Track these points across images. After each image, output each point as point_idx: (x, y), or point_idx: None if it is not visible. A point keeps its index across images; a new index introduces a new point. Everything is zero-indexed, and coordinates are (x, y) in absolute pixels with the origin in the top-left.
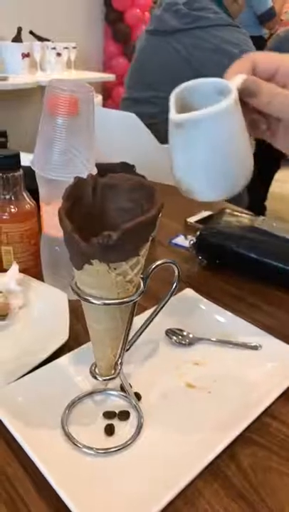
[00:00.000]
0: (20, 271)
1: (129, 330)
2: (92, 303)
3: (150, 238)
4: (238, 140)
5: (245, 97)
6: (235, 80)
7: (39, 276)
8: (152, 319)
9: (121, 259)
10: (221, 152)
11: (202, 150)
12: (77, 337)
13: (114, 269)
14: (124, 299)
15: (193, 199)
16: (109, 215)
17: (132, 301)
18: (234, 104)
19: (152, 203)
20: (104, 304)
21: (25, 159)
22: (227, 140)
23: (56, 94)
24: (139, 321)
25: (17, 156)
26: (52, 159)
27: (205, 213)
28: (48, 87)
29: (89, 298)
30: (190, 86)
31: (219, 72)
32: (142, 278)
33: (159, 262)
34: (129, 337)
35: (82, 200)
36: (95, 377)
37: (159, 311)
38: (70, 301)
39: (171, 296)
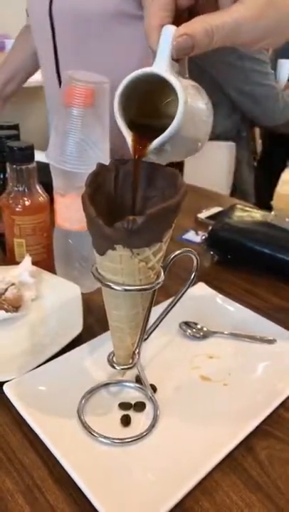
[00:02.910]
0: (33, 263)
1: (148, 318)
2: (114, 289)
3: (173, 225)
4: (201, 119)
5: (182, 56)
6: (163, 49)
7: (51, 269)
8: (172, 308)
9: (144, 245)
10: (193, 139)
11: (177, 150)
12: (89, 330)
13: (138, 254)
14: (146, 286)
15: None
16: (130, 202)
17: (153, 288)
18: (185, 105)
19: (175, 190)
20: (126, 290)
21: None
22: (195, 130)
23: (72, 85)
24: (153, 313)
25: (31, 148)
26: (67, 151)
27: (215, 209)
28: (64, 79)
29: (110, 284)
30: (125, 92)
31: (228, 70)
32: (162, 267)
33: (178, 252)
34: (147, 326)
35: (104, 187)
36: (113, 366)
37: (178, 300)
38: (82, 294)
39: (190, 285)
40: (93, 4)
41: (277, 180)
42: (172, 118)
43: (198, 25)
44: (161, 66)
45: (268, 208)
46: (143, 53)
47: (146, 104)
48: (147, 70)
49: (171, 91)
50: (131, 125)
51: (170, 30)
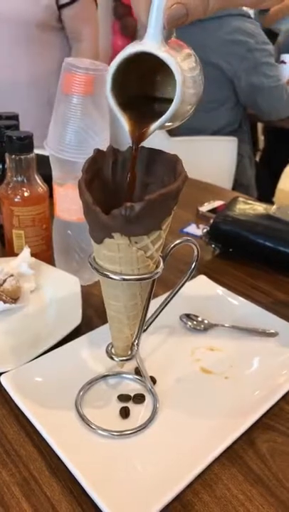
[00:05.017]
0: (32, 255)
1: (147, 309)
2: (112, 278)
3: (172, 212)
4: (195, 89)
5: (176, 26)
6: (154, 22)
7: (50, 262)
8: (172, 298)
9: (143, 233)
10: (187, 109)
11: (171, 122)
12: (88, 322)
13: (136, 243)
14: (144, 275)
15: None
16: (128, 190)
17: (152, 277)
18: (182, 86)
19: (174, 176)
20: (124, 280)
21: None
22: (188, 102)
23: (71, 72)
24: (152, 306)
25: (30, 138)
26: (66, 139)
27: (217, 203)
28: (64, 66)
29: (108, 273)
30: (116, 73)
31: (238, 62)
32: (161, 256)
33: (178, 241)
34: (147, 317)
35: (101, 173)
36: (112, 358)
37: (178, 290)
38: (81, 286)
39: (190, 274)
40: (13, 13)
41: (279, 176)
42: (167, 90)
43: None
44: (153, 44)
45: (270, 203)
46: (61, 57)
47: (135, 79)
48: (139, 48)
49: (164, 64)
50: (126, 106)
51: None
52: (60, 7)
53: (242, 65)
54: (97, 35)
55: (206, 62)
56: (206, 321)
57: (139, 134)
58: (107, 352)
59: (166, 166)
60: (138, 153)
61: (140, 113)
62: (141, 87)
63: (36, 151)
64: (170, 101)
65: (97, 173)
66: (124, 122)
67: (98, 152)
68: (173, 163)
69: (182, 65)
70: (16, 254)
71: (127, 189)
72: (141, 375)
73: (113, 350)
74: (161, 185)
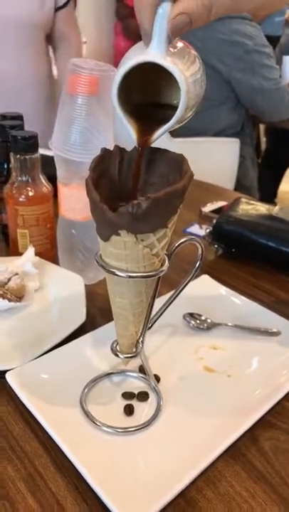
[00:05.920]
0: (36, 254)
1: (152, 306)
2: (118, 275)
3: (178, 211)
4: (198, 92)
5: (180, 34)
6: (158, 32)
7: (54, 261)
8: (176, 296)
9: (149, 231)
10: (189, 110)
11: (180, 122)
12: (92, 321)
13: (142, 240)
14: (150, 273)
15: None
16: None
17: (157, 274)
18: (187, 94)
19: (180, 175)
20: (130, 277)
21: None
22: (192, 104)
23: (77, 73)
24: (157, 305)
25: (34, 138)
26: (71, 139)
27: (220, 203)
28: (70, 66)
29: (114, 270)
30: (122, 82)
31: (235, 64)
32: (166, 255)
33: (183, 239)
34: (151, 315)
35: (108, 172)
36: (116, 355)
37: (183, 288)
38: (85, 285)
39: (195, 273)
40: (21, 16)
41: (281, 177)
42: (169, 95)
43: (193, 4)
44: (158, 53)
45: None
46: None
47: (137, 83)
48: (144, 58)
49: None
50: (130, 113)
51: (165, 9)
52: (56, 10)
53: (238, 65)
54: (80, 37)
55: (205, 63)
56: (209, 320)
57: (143, 140)
58: (111, 349)
59: (171, 165)
60: (143, 155)
61: (144, 119)
62: (143, 92)
63: (40, 151)
64: (172, 106)
65: (104, 172)
66: (131, 131)
67: (105, 151)
68: (179, 162)
69: (186, 73)
70: (21, 254)
71: (132, 188)
72: (145, 373)
73: (118, 348)
74: (167, 184)
